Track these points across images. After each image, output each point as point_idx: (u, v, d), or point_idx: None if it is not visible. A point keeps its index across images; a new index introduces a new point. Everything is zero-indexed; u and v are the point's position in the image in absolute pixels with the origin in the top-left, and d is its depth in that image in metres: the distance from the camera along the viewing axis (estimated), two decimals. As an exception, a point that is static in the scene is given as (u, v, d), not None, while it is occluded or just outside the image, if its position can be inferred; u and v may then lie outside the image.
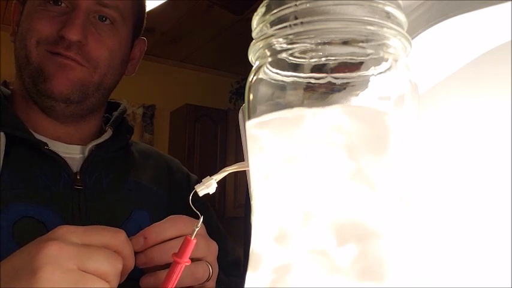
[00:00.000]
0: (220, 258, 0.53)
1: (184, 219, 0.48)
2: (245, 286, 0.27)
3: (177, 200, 0.74)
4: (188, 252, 0.41)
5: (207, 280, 0.49)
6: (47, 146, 0.63)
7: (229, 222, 3.05)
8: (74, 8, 0.64)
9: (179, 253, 0.41)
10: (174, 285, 0.41)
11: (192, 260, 0.47)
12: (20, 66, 0.65)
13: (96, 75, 0.66)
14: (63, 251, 0.37)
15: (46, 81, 0.63)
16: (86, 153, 0.68)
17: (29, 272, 0.36)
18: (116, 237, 0.41)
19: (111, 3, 0.66)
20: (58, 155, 0.63)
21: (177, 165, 0.82)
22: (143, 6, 0.75)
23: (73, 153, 0.67)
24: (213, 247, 0.51)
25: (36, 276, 0.36)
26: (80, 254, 0.38)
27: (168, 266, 0.45)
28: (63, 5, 0.64)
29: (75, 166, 0.65)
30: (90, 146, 0.68)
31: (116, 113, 0.75)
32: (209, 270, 0.49)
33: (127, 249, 0.42)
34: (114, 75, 0.69)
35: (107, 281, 0.38)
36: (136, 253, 0.45)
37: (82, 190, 0.63)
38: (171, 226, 0.47)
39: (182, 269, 0.41)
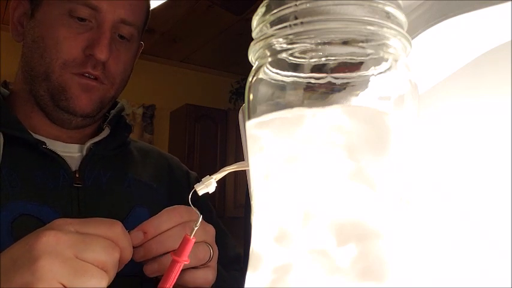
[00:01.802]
0: (221, 254, 0.53)
1: (179, 210, 0.49)
2: (245, 286, 0.27)
3: (177, 197, 0.74)
4: (187, 251, 0.41)
5: (209, 260, 0.50)
6: (45, 145, 0.63)
7: (229, 222, 3.05)
8: (99, 25, 0.63)
9: (178, 252, 0.41)
10: (172, 284, 0.41)
11: None
12: (33, 76, 0.65)
13: (113, 90, 0.68)
14: (60, 240, 0.37)
15: (69, 100, 0.63)
16: (84, 152, 0.68)
17: (28, 262, 0.36)
18: (112, 230, 0.41)
19: (134, 22, 0.67)
20: (56, 154, 0.64)
21: (177, 163, 0.83)
22: (149, 13, 0.76)
23: (71, 152, 0.68)
24: (210, 229, 0.52)
25: (35, 265, 0.36)
26: (78, 243, 0.38)
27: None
28: (87, 21, 0.63)
29: (74, 165, 0.66)
30: (88, 144, 0.69)
31: (113, 112, 0.76)
32: (210, 250, 0.50)
33: (123, 241, 0.42)
34: (124, 86, 0.71)
35: (104, 270, 0.39)
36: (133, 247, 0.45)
37: (81, 188, 0.64)
38: (168, 219, 0.47)
39: (181, 268, 0.41)
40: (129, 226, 0.46)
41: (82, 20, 0.63)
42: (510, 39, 0.31)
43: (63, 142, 0.68)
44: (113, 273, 0.40)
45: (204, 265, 0.50)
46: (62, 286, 0.36)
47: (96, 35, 0.63)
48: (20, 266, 0.37)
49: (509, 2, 0.28)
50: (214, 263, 0.52)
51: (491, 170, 0.32)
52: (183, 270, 0.42)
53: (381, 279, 0.24)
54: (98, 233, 0.40)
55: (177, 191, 0.76)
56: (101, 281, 0.38)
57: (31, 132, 0.64)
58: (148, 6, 0.73)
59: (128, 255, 0.43)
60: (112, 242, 0.40)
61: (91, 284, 0.37)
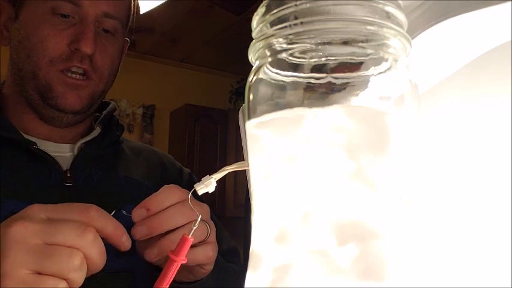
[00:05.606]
0: None
1: (178, 188, 0.49)
2: (245, 286, 0.27)
3: None
4: (185, 250, 0.41)
5: (207, 237, 0.50)
6: (36, 145, 0.64)
7: (229, 222, 3.05)
8: (81, 19, 0.64)
9: (176, 251, 0.41)
10: (169, 283, 0.41)
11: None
12: (21, 76, 0.65)
13: (102, 85, 0.69)
14: (27, 229, 0.38)
15: (56, 98, 0.64)
16: (76, 151, 0.69)
17: None
18: (85, 213, 0.41)
19: (116, 15, 0.68)
20: (47, 154, 0.64)
21: (170, 160, 0.83)
22: (131, 8, 0.76)
23: (63, 152, 0.69)
24: (205, 207, 0.51)
25: (1, 258, 0.37)
26: (45, 229, 0.38)
27: (165, 234, 0.46)
28: (70, 17, 0.64)
29: (65, 164, 0.67)
30: (79, 143, 0.69)
31: (105, 112, 0.77)
32: (207, 227, 0.50)
33: (99, 221, 0.41)
34: (112, 81, 0.72)
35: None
36: (130, 228, 0.45)
37: (72, 187, 0.64)
38: (170, 195, 0.47)
39: (178, 267, 0.41)
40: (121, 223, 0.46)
41: (65, 16, 0.64)
42: (510, 39, 0.31)
43: (55, 142, 0.69)
44: (92, 252, 0.39)
45: (202, 242, 0.50)
46: (32, 272, 0.36)
47: (80, 29, 0.64)
48: None
49: (509, 2, 0.28)
50: (213, 239, 0.52)
51: (491, 170, 0.32)
52: None
53: (381, 279, 0.24)
54: (69, 217, 0.40)
55: None
56: (71, 259, 0.37)
57: (22, 133, 0.65)
58: (130, 1, 0.74)
59: (111, 232, 0.42)
60: (83, 223, 0.39)
61: (61, 263, 0.37)
